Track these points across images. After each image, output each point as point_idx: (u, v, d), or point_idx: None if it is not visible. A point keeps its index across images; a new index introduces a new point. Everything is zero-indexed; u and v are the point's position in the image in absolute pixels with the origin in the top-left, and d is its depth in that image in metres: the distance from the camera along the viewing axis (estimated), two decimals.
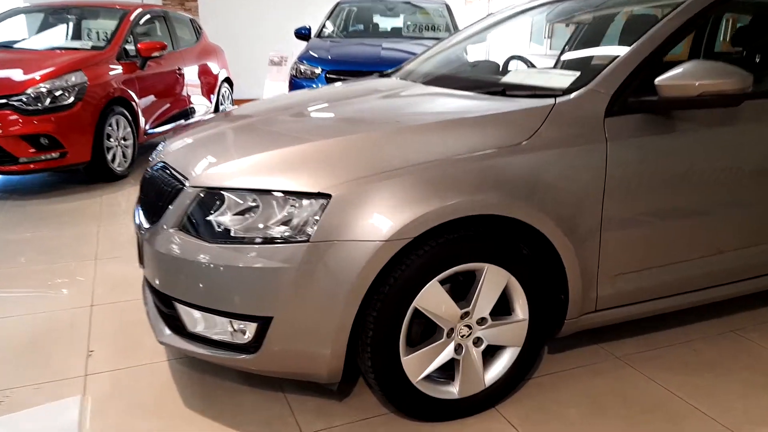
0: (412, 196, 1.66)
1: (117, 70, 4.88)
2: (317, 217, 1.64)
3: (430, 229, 1.67)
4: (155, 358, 2.24)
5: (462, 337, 1.83)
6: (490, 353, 1.92)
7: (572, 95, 1.91)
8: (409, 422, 1.88)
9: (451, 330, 1.81)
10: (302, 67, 5.27)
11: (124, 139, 4.90)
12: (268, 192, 1.70)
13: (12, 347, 2.34)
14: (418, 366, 1.79)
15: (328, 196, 1.65)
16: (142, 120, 5.15)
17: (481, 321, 1.84)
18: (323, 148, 1.81)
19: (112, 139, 4.71)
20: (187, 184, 1.84)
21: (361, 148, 1.79)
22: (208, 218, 1.75)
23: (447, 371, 1.87)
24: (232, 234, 1.71)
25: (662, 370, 2.19)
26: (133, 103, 5.00)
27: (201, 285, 1.73)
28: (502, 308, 1.89)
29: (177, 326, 1.88)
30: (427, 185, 1.68)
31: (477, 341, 1.87)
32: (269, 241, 1.66)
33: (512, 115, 1.88)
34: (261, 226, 1.68)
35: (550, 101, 1.90)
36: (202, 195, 1.78)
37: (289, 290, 1.65)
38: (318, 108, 2.35)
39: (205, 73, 6.52)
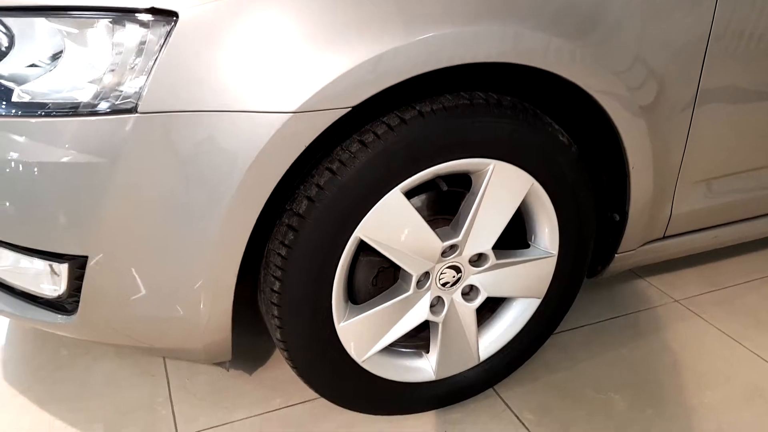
0: (347, 18, 0.82)
1: None
2: (150, 62, 0.80)
3: (385, 92, 0.85)
4: None
5: (443, 286, 1.06)
6: (489, 308, 1.17)
7: None
8: (357, 413, 1.17)
9: (425, 275, 1.04)
10: None
11: None
12: (59, 11, 0.84)
13: None
14: (368, 336, 1.04)
15: (170, 17, 0.80)
16: None
17: (478, 259, 1.07)
18: None
19: None
20: None
21: None
22: None
23: (417, 335, 1.13)
24: (14, 98, 0.88)
25: (744, 322, 1.46)
26: None
27: None
28: (512, 237, 1.11)
29: None
30: None
31: (469, 292, 1.10)
32: (64, 110, 0.83)
33: None
34: (52, 82, 0.85)
35: None
36: None
37: (109, 208, 0.85)
38: None
39: None
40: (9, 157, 0.86)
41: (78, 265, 0.91)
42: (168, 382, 1.23)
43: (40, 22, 0.86)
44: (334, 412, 1.16)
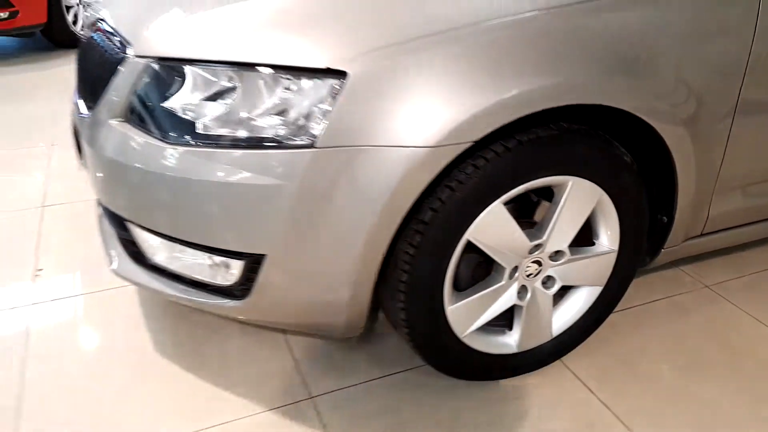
0: (472, 75, 1.07)
1: None
2: (326, 109, 1.06)
3: (496, 129, 1.10)
4: (114, 282, 1.76)
5: (528, 276, 1.32)
6: (560, 294, 1.43)
7: None
8: (453, 380, 1.43)
9: (515, 268, 1.29)
10: None
11: None
12: (250, 66, 1.09)
13: None
14: (468, 317, 1.30)
15: (341, 75, 1.05)
16: None
17: (556, 255, 1.32)
18: None
19: None
20: (130, 52, 1.23)
21: None
22: (162, 105, 1.17)
23: (502, 317, 1.39)
24: (198, 130, 1.13)
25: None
26: None
27: (159, 205, 1.18)
28: (581, 236, 1.36)
29: (136, 253, 1.37)
30: (495, 58, 1.08)
31: (547, 281, 1.36)
32: (254, 143, 1.09)
33: None
34: (241, 119, 1.10)
35: None
36: (153, 69, 1.18)
37: (288, 218, 1.11)
38: None
39: None
40: (203, 177, 1.11)
41: (254, 261, 1.17)
42: (292, 355, 1.50)
43: (220, 70, 1.11)
44: (432, 378, 1.43)
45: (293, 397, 1.37)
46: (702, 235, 1.52)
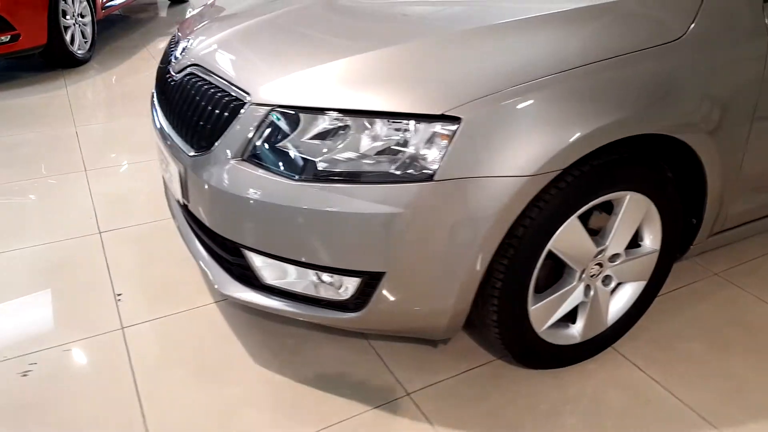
0: (559, 116, 1.28)
1: None
2: (443, 148, 1.25)
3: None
4: (198, 300, 1.90)
5: (591, 277, 1.55)
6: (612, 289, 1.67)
7: None
8: (525, 370, 1.65)
9: (582, 271, 1.52)
10: None
11: (81, 16, 4.14)
12: (371, 114, 1.28)
13: (20, 294, 1.94)
14: (545, 314, 1.52)
15: (456, 120, 1.25)
16: None
17: (613, 257, 1.56)
18: (429, 52, 1.37)
19: (68, 17, 3.95)
20: (248, 100, 1.39)
21: (480, 52, 1.36)
22: (282, 146, 1.33)
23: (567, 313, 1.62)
24: (320, 168, 1.31)
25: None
26: None
27: (283, 234, 1.35)
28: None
29: (245, 276, 1.52)
30: (578, 101, 1.29)
31: (605, 279, 1.59)
32: (378, 179, 1.27)
33: (663, 4, 1.46)
34: (362, 159, 1.28)
35: None
36: (276, 115, 1.34)
37: (407, 240, 1.29)
38: None
39: None
40: (332, 208, 1.29)
41: (372, 277, 1.35)
42: (381, 357, 1.68)
43: (339, 117, 1.29)
44: (507, 369, 1.64)
45: (392, 395, 1.56)
46: (722, 231, 1.78)
